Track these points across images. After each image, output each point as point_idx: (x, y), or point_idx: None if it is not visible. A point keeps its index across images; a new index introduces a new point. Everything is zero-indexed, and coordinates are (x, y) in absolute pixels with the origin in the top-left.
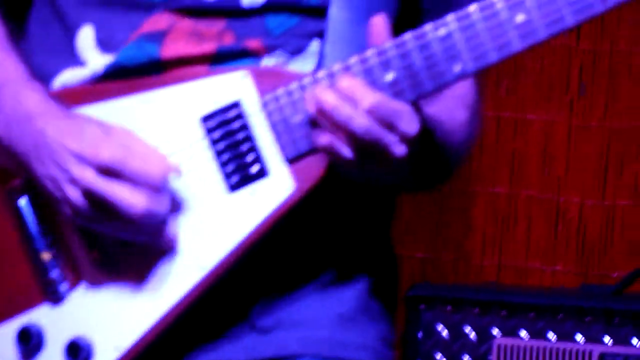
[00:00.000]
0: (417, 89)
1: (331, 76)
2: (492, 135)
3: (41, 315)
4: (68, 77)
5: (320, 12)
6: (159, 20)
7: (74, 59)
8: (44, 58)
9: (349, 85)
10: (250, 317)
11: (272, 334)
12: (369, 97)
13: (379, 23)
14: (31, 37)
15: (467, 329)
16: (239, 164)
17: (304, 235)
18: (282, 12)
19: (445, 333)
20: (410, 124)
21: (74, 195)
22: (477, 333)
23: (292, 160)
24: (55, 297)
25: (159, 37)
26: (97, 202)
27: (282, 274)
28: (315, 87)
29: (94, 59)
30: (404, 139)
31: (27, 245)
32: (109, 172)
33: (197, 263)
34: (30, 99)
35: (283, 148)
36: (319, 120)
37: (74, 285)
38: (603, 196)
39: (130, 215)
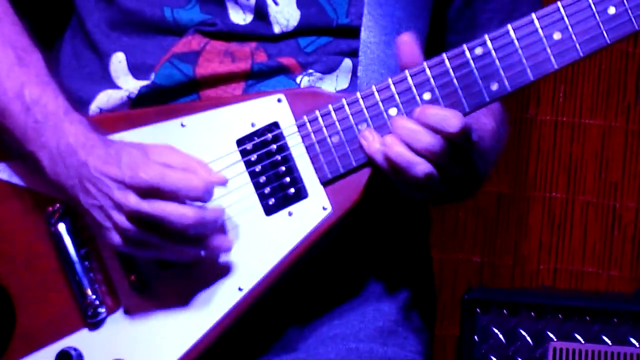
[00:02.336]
0: (454, 108)
1: (368, 97)
2: (550, 140)
3: (80, 340)
4: (103, 99)
5: (351, 32)
6: (191, 42)
7: (109, 84)
8: (79, 85)
9: (431, 114)
10: (290, 336)
11: (313, 347)
12: (455, 119)
13: (408, 41)
14: (64, 66)
15: (523, 333)
16: (275, 185)
17: (341, 252)
18: (312, 35)
19: (501, 336)
20: (474, 135)
21: (121, 220)
22: (532, 337)
23: (329, 182)
24: (94, 322)
25: (192, 56)
26: (144, 223)
27: (320, 291)
28: (352, 109)
29: (127, 84)
30: (472, 149)
31: (66, 270)
32: (151, 192)
33: (236, 285)
34: (72, 132)
35: (319, 170)
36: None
37: (112, 310)
38: None
39: (183, 226)
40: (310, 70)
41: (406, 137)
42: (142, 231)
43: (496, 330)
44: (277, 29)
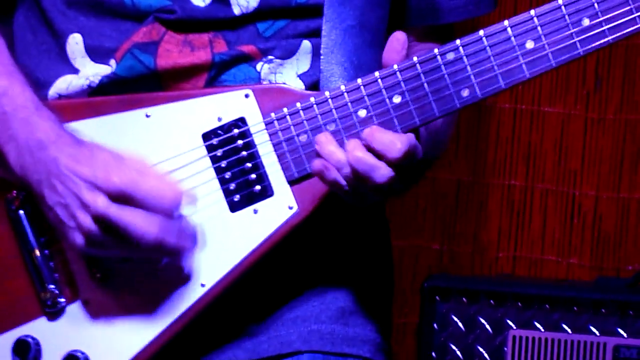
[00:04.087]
0: (424, 113)
1: (338, 97)
2: (509, 128)
3: (38, 328)
4: (63, 85)
5: (309, 12)
6: (151, 31)
7: (67, 66)
8: (34, 62)
9: (378, 140)
10: (250, 322)
11: (273, 330)
12: (399, 145)
13: (400, 39)
14: (19, 41)
15: (483, 321)
16: (241, 182)
17: (301, 244)
18: (271, 18)
19: (460, 324)
20: (418, 155)
21: (86, 221)
22: (492, 325)
23: (295, 181)
24: (52, 312)
25: (152, 47)
26: (108, 228)
27: (279, 282)
28: (321, 109)
29: (85, 67)
30: (391, 164)
31: (25, 257)
32: (121, 198)
33: (198, 281)
34: (42, 127)
35: (286, 169)
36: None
37: (72, 299)
38: (618, 189)
39: (143, 243)
40: (270, 57)
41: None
42: (105, 235)
43: (456, 318)
44: (236, 11)
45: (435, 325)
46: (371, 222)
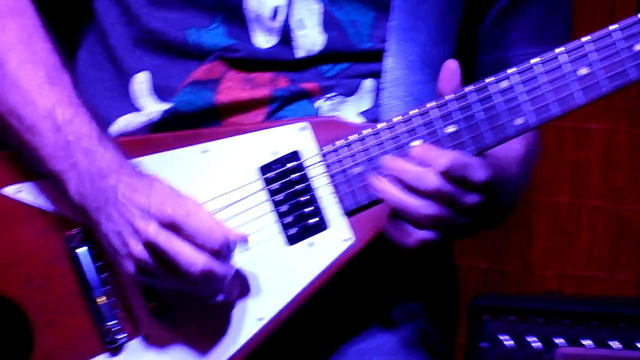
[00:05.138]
0: (478, 141)
1: (392, 128)
2: (553, 145)
3: None
4: (124, 123)
5: (373, 56)
6: (212, 69)
7: (130, 105)
8: (97, 100)
9: (422, 152)
10: (313, 358)
11: None
12: (441, 159)
13: (452, 68)
14: (82, 78)
15: (531, 339)
16: (297, 215)
17: (361, 278)
18: (334, 62)
19: (509, 343)
20: (480, 173)
21: (137, 248)
22: (540, 342)
23: (352, 212)
24: (113, 348)
25: (212, 84)
26: (157, 255)
27: (340, 317)
28: (377, 139)
29: (149, 106)
30: (477, 187)
31: (85, 295)
32: (171, 227)
33: (255, 316)
34: (104, 156)
35: (342, 200)
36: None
37: (132, 336)
38: None
39: (189, 273)
40: (332, 94)
41: (409, 179)
42: (154, 262)
43: (504, 337)
44: (300, 54)
45: (483, 344)
46: (438, 260)
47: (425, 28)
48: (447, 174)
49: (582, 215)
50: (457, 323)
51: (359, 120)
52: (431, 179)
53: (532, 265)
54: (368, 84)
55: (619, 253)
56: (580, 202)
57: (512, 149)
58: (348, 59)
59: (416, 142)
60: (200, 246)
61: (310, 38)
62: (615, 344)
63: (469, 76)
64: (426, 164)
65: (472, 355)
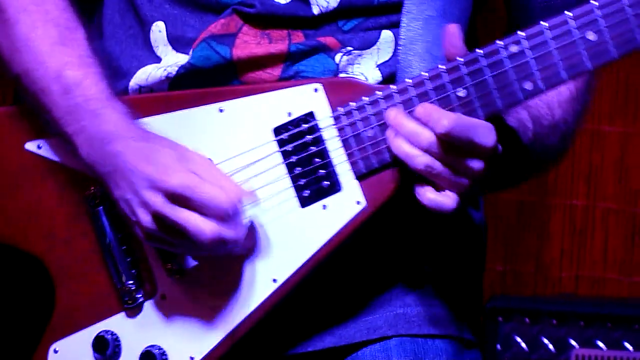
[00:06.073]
0: (488, 106)
1: (403, 92)
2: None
3: (117, 324)
4: (143, 76)
5: (391, 8)
6: (229, 23)
7: (150, 54)
8: (121, 48)
9: (424, 112)
10: (336, 309)
11: (360, 315)
12: (444, 120)
13: (453, 33)
14: (107, 23)
15: (546, 340)
16: (311, 178)
17: (379, 247)
18: (352, 17)
19: (523, 344)
20: (486, 137)
21: (145, 218)
22: (554, 344)
23: (363, 176)
24: (131, 307)
25: (229, 38)
26: (166, 226)
27: (365, 273)
28: (388, 103)
29: (167, 56)
30: (482, 152)
31: (104, 253)
32: (178, 199)
33: (269, 277)
34: (112, 120)
35: (354, 164)
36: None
37: (150, 296)
38: None
39: (198, 241)
40: (349, 48)
41: (405, 135)
42: (162, 232)
43: (518, 339)
44: (316, 10)
45: (498, 346)
46: (465, 224)
47: None
48: (449, 136)
49: (597, 217)
50: (481, 294)
51: (376, 72)
52: (424, 137)
53: (547, 267)
54: (386, 35)
55: (634, 255)
56: (595, 204)
57: (557, 92)
58: (365, 13)
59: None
60: (208, 214)
61: None
62: (629, 346)
63: (522, 21)
64: (429, 124)
65: (487, 356)
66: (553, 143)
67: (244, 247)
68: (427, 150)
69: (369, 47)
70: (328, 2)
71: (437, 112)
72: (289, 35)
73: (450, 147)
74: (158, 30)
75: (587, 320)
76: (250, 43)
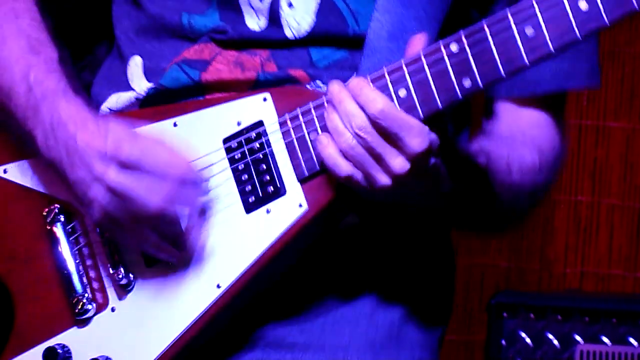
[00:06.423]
0: (428, 104)
1: None
2: (574, 144)
3: (69, 337)
4: (113, 100)
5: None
6: (203, 50)
7: (124, 85)
8: (100, 86)
9: (359, 85)
10: (278, 333)
11: (299, 352)
12: (379, 101)
13: (418, 42)
14: (104, 66)
15: (550, 336)
16: (256, 183)
17: (337, 254)
18: (326, 45)
19: (528, 340)
20: (415, 139)
21: (99, 192)
22: (559, 340)
23: (306, 179)
24: (82, 319)
25: (201, 64)
26: (120, 197)
27: (315, 292)
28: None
29: (139, 85)
30: (408, 154)
31: (59, 267)
32: (131, 167)
33: (214, 282)
34: (65, 107)
35: (297, 167)
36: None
37: (101, 308)
38: None
39: (146, 209)
40: (319, 82)
41: (342, 114)
42: (117, 205)
43: (523, 334)
44: (288, 33)
45: (503, 341)
46: (435, 242)
47: (412, 14)
48: (380, 119)
49: (602, 213)
50: (448, 316)
51: None
52: (359, 118)
53: (552, 263)
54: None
55: (639, 251)
56: (600, 200)
57: (522, 153)
58: (339, 43)
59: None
60: (159, 178)
61: (296, 17)
62: (634, 341)
63: None
64: (360, 99)
65: (491, 352)
66: (506, 199)
67: (193, 242)
68: (356, 135)
69: None
70: (299, 25)
71: (374, 92)
72: (261, 65)
73: (378, 132)
74: (135, 64)
75: (592, 316)
76: (222, 71)
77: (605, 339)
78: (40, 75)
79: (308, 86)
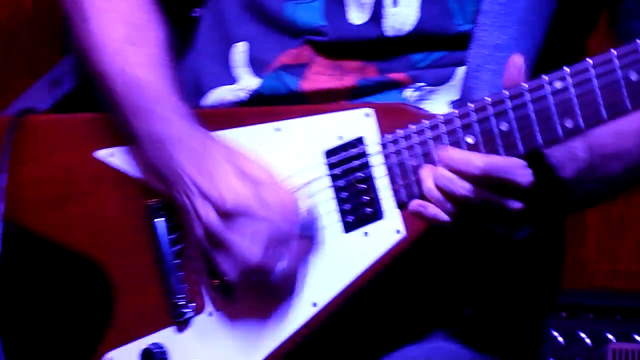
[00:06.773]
0: (528, 141)
1: (449, 122)
2: None
3: (166, 337)
4: (218, 96)
5: (467, 40)
6: (300, 53)
7: (228, 74)
8: (205, 64)
9: (454, 158)
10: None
11: None
12: (475, 160)
13: (515, 64)
14: (201, 37)
15: (582, 335)
16: (355, 203)
17: (425, 279)
18: (427, 44)
19: (560, 339)
20: (522, 177)
21: (197, 228)
22: (591, 338)
23: (405, 204)
24: (180, 322)
25: (299, 69)
26: (214, 241)
27: (409, 319)
28: (433, 132)
29: (242, 79)
30: (519, 191)
31: (159, 266)
32: (231, 217)
33: (310, 300)
34: (175, 123)
35: (396, 192)
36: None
37: (198, 311)
38: None
39: (245, 265)
40: (421, 83)
41: (441, 185)
42: (212, 245)
43: (555, 333)
44: (388, 31)
45: None
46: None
47: (514, 21)
48: (485, 175)
49: (634, 210)
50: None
51: (448, 109)
52: (460, 185)
53: (583, 261)
54: (462, 72)
55: None
56: (631, 197)
57: (628, 121)
58: (440, 43)
59: (470, 139)
60: (259, 235)
61: (401, 16)
62: None
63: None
64: (458, 169)
65: None
66: (618, 171)
67: (289, 271)
68: (464, 197)
69: (442, 84)
70: (402, 24)
71: (463, 154)
72: (361, 69)
73: (487, 187)
74: (240, 51)
75: (624, 314)
76: (322, 75)
77: (638, 337)
78: (147, 76)
79: (411, 106)
